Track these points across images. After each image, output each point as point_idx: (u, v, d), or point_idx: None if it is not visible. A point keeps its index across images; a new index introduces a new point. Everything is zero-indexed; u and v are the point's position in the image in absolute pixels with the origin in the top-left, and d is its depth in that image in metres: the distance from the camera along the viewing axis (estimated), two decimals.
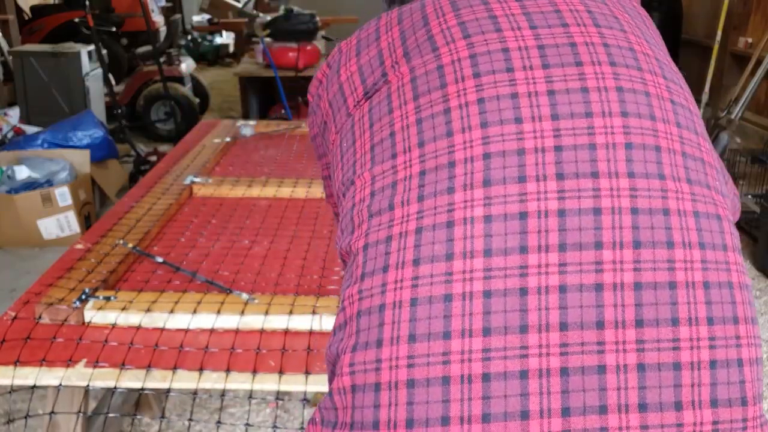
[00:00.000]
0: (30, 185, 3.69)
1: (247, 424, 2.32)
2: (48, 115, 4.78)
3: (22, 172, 3.75)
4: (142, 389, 1.23)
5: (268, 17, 5.04)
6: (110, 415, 1.69)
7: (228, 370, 1.23)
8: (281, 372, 1.23)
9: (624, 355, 0.64)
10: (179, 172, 2.28)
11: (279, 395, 1.72)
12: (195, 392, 1.28)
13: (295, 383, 1.22)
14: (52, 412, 1.43)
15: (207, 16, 9.25)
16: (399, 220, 0.71)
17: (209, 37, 10.16)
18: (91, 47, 5.03)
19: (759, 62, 5.44)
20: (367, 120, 0.79)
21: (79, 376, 1.22)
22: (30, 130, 4.51)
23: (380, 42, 0.82)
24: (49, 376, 1.22)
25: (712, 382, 0.65)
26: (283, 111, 4.78)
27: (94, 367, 1.24)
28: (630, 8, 0.83)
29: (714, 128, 5.38)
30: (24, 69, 4.89)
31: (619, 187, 0.68)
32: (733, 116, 5.32)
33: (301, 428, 2.34)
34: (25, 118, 4.90)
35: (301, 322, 1.36)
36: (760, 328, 3.01)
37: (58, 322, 1.36)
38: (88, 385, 1.21)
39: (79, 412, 1.48)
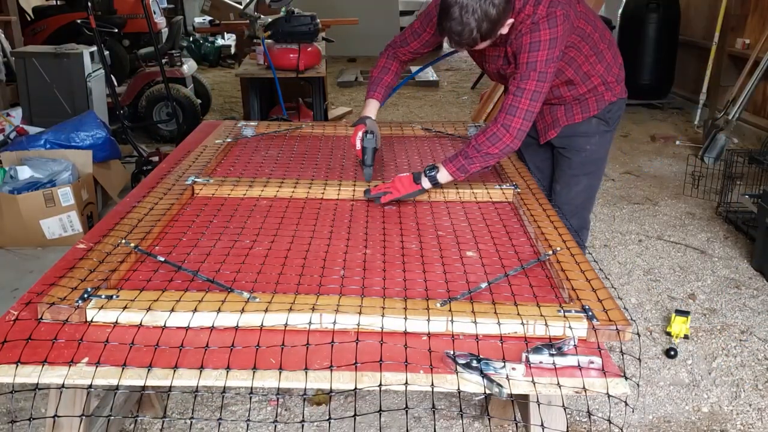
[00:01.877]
0: (33, 185, 3.71)
1: (248, 420, 2.34)
2: (50, 115, 4.80)
3: (25, 173, 3.77)
4: (144, 388, 1.25)
5: (269, 19, 5.05)
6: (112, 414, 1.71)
7: (228, 368, 1.25)
8: (281, 369, 1.25)
9: None
10: (181, 172, 2.30)
11: (279, 392, 1.73)
12: (196, 390, 1.29)
13: (295, 380, 1.24)
14: (56, 415, 1.44)
15: (208, 18, 9.27)
16: None
17: (211, 39, 10.19)
18: (94, 48, 5.05)
19: (756, 63, 5.45)
20: None
21: (81, 374, 1.24)
22: (32, 130, 4.53)
23: None
24: (52, 375, 1.23)
25: None
26: (283, 113, 4.80)
27: (96, 365, 1.25)
28: None
29: (712, 129, 5.40)
30: (26, 70, 4.91)
31: None
32: (730, 117, 5.33)
33: (302, 424, 2.36)
34: (27, 119, 4.92)
35: (301, 319, 1.38)
36: (759, 327, 3.03)
37: (60, 321, 1.38)
38: (90, 384, 1.22)
39: (83, 413, 1.50)
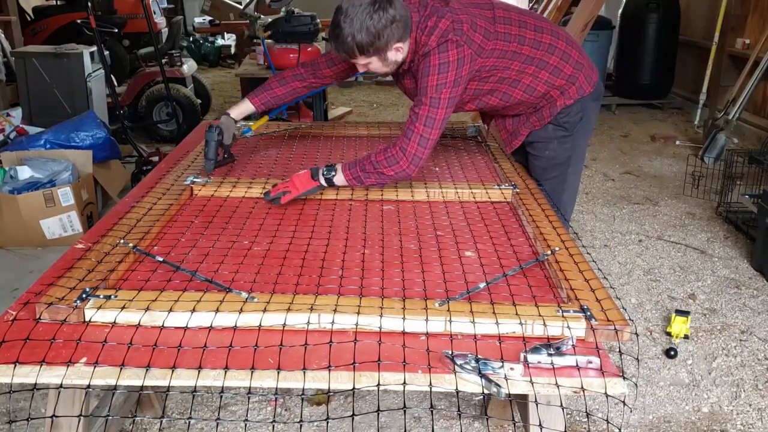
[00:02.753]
0: (33, 185, 3.71)
1: (246, 420, 2.34)
2: (50, 115, 4.80)
3: (25, 173, 3.77)
4: (142, 388, 1.24)
5: (269, 19, 5.05)
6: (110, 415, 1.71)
7: (227, 368, 1.25)
8: (279, 369, 1.25)
9: None
10: (180, 172, 2.30)
11: (277, 392, 1.73)
12: (194, 390, 1.29)
13: (293, 380, 1.24)
14: (54, 415, 1.44)
15: (208, 18, 9.28)
16: None
17: (211, 39, 10.19)
18: (94, 48, 5.05)
19: (756, 63, 5.45)
20: None
21: (79, 374, 1.23)
22: (32, 130, 4.53)
23: None
24: (50, 375, 1.23)
25: None
26: (282, 113, 4.80)
27: (95, 365, 1.25)
28: None
29: (712, 129, 5.40)
30: (27, 70, 4.91)
31: None
32: (730, 117, 5.33)
33: (300, 424, 2.36)
34: (27, 119, 4.92)
35: (299, 319, 1.38)
36: (759, 327, 3.02)
37: (58, 321, 1.37)
38: (88, 384, 1.22)
39: (81, 413, 1.49)
